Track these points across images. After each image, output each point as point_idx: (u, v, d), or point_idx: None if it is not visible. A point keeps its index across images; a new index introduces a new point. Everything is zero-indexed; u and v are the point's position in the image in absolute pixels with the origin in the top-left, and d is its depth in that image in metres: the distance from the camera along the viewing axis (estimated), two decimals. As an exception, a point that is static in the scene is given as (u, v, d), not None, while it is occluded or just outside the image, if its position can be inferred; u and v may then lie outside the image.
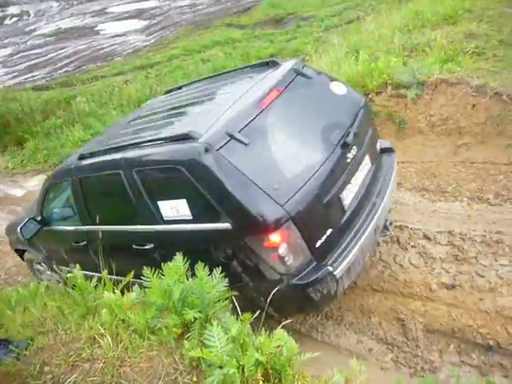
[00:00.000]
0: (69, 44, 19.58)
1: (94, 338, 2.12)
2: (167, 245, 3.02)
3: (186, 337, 1.95)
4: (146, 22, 21.92)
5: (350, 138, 2.92)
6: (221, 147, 2.58)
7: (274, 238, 2.53)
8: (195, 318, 1.91)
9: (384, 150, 3.49)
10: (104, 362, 1.99)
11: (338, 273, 2.71)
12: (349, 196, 2.92)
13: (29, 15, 26.77)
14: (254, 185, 2.54)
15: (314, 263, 2.71)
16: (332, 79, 3.41)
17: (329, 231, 2.74)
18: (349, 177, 2.92)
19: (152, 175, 2.95)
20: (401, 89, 5.05)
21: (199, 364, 1.84)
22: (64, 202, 4.07)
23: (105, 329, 2.12)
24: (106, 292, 2.23)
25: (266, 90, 2.92)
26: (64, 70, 16.62)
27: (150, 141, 3.02)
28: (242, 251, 2.68)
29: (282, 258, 2.58)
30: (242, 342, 1.74)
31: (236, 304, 2.21)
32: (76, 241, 3.83)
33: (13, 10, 28.37)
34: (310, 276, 2.68)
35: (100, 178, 3.41)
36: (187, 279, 2.03)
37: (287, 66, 3.24)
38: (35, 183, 9.92)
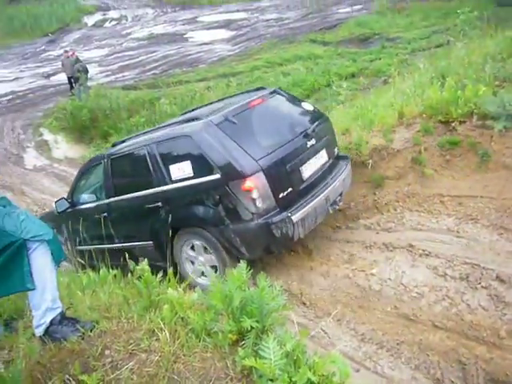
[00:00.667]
0: (159, 48, 20.62)
1: (154, 331, 2.20)
2: (172, 200, 4.09)
3: (241, 344, 1.98)
4: (233, 33, 22.59)
5: (309, 131, 4.20)
6: (218, 124, 3.89)
7: (249, 183, 3.64)
8: (252, 327, 1.93)
9: (342, 157, 4.76)
10: (160, 356, 2.05)
11: (294, 218, 3.80)
12: (307, 171, 4.11)
13: (126, 20, 28.57)
14: (239, 147, 3.76)
15: (277, 209, 3.81)
16: (303, 100, 5.07)
17: (289, 189, 3.91)
18: (308, 157, 4.12)
19: (168, 146, 4.13)
20: (487, 120, 4.81)
21: (250, 373, 1.85)
22: (91, 184, 5.13)
23: (164, 324, 2.20)
24: (169, 288, 2.32)
25: (253, 98, 4.35)
26: (152, 72, 17.51)
27: (169, 124, 4.57)
28: (225, 196, 3.76)
29: (253, 200, 3.67)
30: (295, 358, 1.74)
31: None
32: (97, 213, 4.72)
33: (113, 14, 30.44)
34: (274, 217, 3.73)
35: (127, 156, 4.53)
36: (248, 288, 2.06)
37: (271, 89, 4.77)
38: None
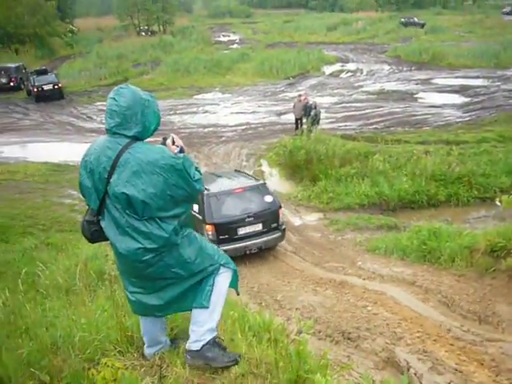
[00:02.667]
0: (386, 105, 20.91)
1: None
2: None
3: None
4: (467, 99, 21.45)
5: (252, 213, 8.36)
6: (210, 195, 8.24)
7: (207, 226, 8.12)
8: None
9: (279, 229, 8.71)
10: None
11: (223, 247, 7.11)
12: (241, 231, 8.28)
13: (361, 73, 29.83)
14: (211, 210, 8.16)
15: (216, 243, 7.17)
16: (270, 194, 8.87)
17: (226, 236, 8.14)
18: (243, 225, 8.30)
19: None
20: None
21: None
22: None
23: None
24: (319, 374, 2.28)
25: (239, 186, 8.71)
26: (374, 126, 17.83)
27: None
28: (201, 228, 8.07)
29: (208, 234, 8.02)
30: None
31: None
32: None
33: (350, 66, 32.16)
34: None
35: None
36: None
37: (261, 182, 9.24)
38: (313, 218, 11.02)
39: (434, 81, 25.98)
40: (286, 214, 11.29)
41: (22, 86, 27.31)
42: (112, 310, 3.33)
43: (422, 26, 45.98)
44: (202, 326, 2.52)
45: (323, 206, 11.50)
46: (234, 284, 2.65)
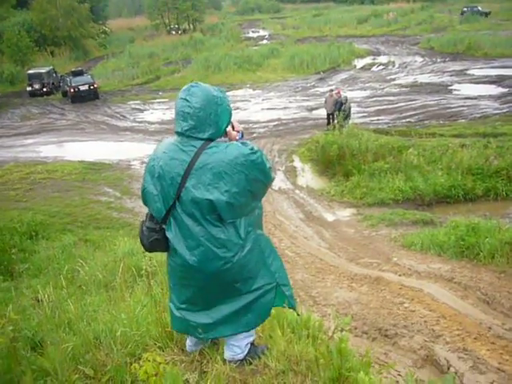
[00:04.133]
0: (419, 97, 20.44)
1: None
2: None
3: None
4: (505, 90, 20.72)
5: None
6: None
7: None
8: None
9: None
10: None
11: None
12: None
13: (393, 65, 29.25)
14: None
15: None
16: None
17: None
18: None
19: None
20: None
21: None
22: None
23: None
24: (362, 372, 2.25)
25: None
26: (407, 120, 17.48)
27: None
28: None
29: None
30: None
31: None
32: None
33: (382, 59, 31.59)
34: None
35: None
36: None
37: None
38: (346, 214, 10.92)
39: (469, 72, 25.22)
40: (319, 210, 11.23)
41: (54, 91, 27.89)
42: (150, 306, 3.39)
43: (487, 14, 43.22)
44: (243, 340, 2.49)
45: (356, 201, 11.37)
46: (291, 304, 2.54)
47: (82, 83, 25.19)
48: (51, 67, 29.81)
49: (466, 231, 7.88)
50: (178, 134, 2.28)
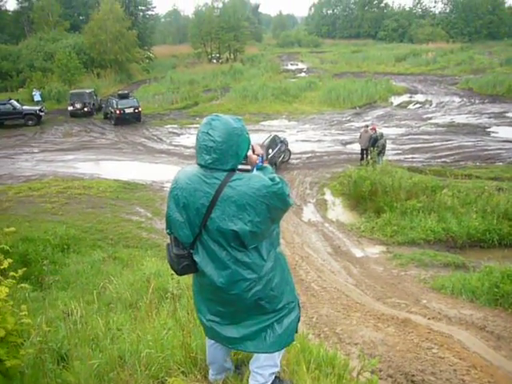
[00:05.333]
0: (456, 138, 20.17)
1: None
2: None
3: None
4: (547, 135, 20.24)
5: None
6: None
7: None
8: None
9: None
10: None
11: None
12: None
13: (430, 104, 29.07)
14: None
15: None
16: None
17: None
18: None
19: None
20: None
21: None
22: None
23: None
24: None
25: None
26: (442, 160, 17.23)
27: None
28: None
29: None
30: None
31: None
32: None
33: (419, 97, 31.47)
34: None
35: None
36: None
37: None
38: (375, 251, 10.72)
39: (508, 114, 24.80)
40: (348, 245, 11.08)
41: (94, 112, 28.83)
42: (175, 330, 3.40)
43: None
44: (267, 370, 2.49)
45: (386, 239, 11.16)
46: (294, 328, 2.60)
47: (127, 106, 25.83)
48: (92, 89, 31.01)
49: (501, 278, 7.58)
50: (201, 166, 2.33)
